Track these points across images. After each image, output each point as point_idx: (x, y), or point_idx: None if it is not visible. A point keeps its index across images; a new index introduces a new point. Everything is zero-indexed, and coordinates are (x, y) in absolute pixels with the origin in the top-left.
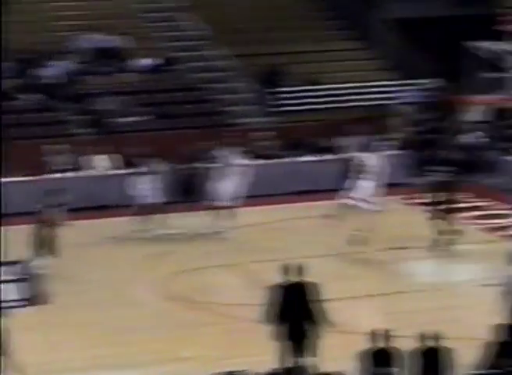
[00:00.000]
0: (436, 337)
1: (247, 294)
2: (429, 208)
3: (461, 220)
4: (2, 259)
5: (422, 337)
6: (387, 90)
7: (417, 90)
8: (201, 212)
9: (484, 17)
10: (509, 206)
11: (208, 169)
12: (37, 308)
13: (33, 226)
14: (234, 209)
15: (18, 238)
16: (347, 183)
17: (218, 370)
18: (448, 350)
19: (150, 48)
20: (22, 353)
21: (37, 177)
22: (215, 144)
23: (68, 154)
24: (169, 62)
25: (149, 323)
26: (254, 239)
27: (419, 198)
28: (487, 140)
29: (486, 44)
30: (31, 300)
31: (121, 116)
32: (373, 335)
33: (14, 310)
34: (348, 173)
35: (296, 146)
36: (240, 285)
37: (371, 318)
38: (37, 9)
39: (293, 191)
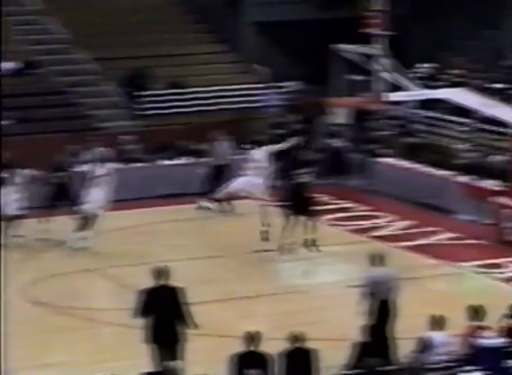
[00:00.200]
0: (303, 339)
1: (112, 298)
2: (288, 210)
3: (325, 222)
4: None
5: (290, 338)
6: (251, 93)
7: (282, 93)
8: (67, 218)
9: (349, 20)
10: (372, 208)
11: (74, 174)
12: None
13: None
14: (101, 214)
15: None
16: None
17: None
18: (315, 351)
19: (12, 52)
20: None
21: None
22: (80, 148)
23: None
24: (32, 65)
25: (13, 329)
26: (120, 243)
27: (280, 201)
28: (350, 142)
29: (352, 47)
30: None
31: None
32: (243, 338)
33: None
34: (211, 177)
35: (162, 149)
36: (105, 290)
37: (238, 321)
38: None
39: (160, 195)
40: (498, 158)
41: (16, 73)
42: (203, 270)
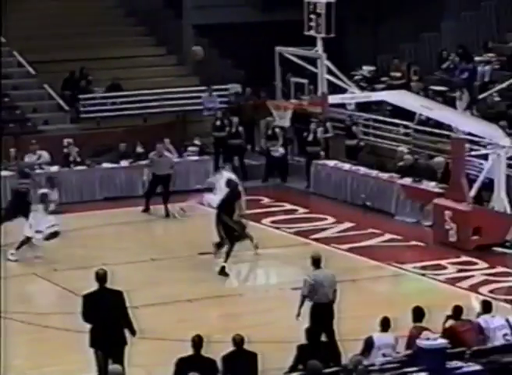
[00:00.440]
0: (244, 342)
1: (55, 302)
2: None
3: (266, 224)
4: None
5: (233, 341)
6: (193, 95)
7: (222, 95)
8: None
9: (292, 23)
10: (312, 210)
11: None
12: None
13: None
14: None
15: None
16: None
17: None
18: (256, 354)
19: None
20: None
21: None
22: (17, 152)
23: None
24: None
25: None
26: (63, 247)
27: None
28: (291, 144)
29: (294, 50)
30: None
31: None
32: (192, 342)
33: None
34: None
35: (103, 152)
36: (48, 294)
37: (180, 324)
38: None
39: (101, 198)
40: (438, 159)
41: None
42: (146, 273)
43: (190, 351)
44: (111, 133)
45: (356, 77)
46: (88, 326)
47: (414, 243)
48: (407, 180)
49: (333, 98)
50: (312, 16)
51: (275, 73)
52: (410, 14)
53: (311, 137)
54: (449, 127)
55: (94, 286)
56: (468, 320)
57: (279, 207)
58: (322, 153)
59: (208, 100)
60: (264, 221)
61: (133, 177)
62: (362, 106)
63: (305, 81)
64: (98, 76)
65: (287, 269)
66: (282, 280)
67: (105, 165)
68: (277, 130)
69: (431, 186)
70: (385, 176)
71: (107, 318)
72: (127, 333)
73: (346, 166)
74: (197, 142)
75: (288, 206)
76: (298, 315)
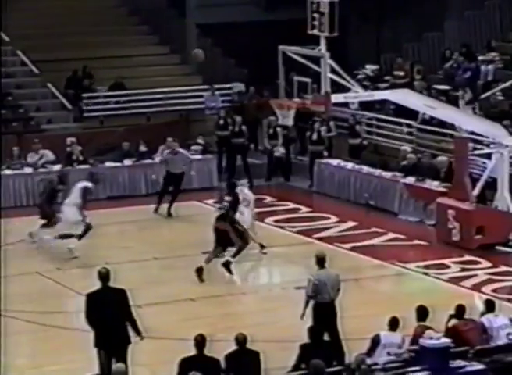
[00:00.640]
0: (247, 341)
1: (58, 301)
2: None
3: (269, 223)
4: None
5: (236, 340)
6: (196, 94)
7: (225, 94)
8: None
9: (295, 21)
10: (316, 209)
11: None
12: None
13: None
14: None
15: None
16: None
17: None
18: (258, 353)
19: None
20: None
21: None
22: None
23: None
24: None
25: None
26: (62, 246)
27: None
28: (295, 143)
29: (297, 49)
30: None
31: None
32: (195, 341)
33: None
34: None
35: (104, 151)
36: (50, 293)
37: (183, 323)
38: None
39: (102, 197)
40: (442, 159)
41: None
42: (148, 272)
43: (193, 351)
44: (114, 132)
45: (359, 76)
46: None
47: (417, 242)
48: (411, 179)
49: (336, 97)
50: (315, 15)
51: (278, 71)
52: (414, 13)
53: (315, 136)
54: (452, 126)
55: (97, 285)
56: (471, 319)
57: (282, 206)
58: (325, 152)
59: (211, 99)
60: (267, 220)
61: (137, 176)
62: (365, 105)
63: (308, 80)
64: (101, 75)
65: (290, 268)
66: (285, 279)
67: (108, 164)
68: (278, 129)
69: (434, 185)
70: (388, 175)
71: (110, 317)
72: (131, 332)
73: (350, 165)
74: (200, 141)
75: (291, 205)
76: (303, 315)
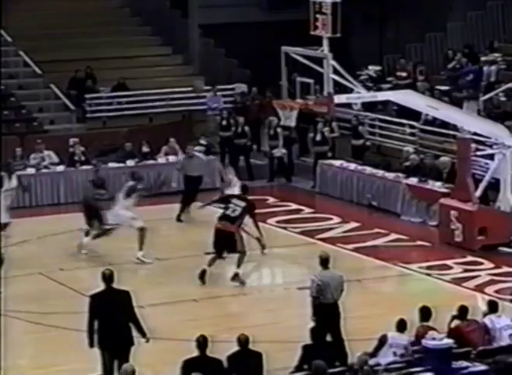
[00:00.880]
0: (249, 341)
1: (61, 302)
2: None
3: (272, 224)
4: None
5: (238, 341)
6: (197, 95)
7: (228, 95)
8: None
9: (298, 22)
10: (318, 210)
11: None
12: None
13: None
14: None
15: None
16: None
17: None
18: (261, 354)
19: None
20: None
21: None
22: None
23: None
24: None
25: None
26: (67, 246)
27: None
28: (297, 143)
29: (300, 49)
30: None
31: None
32: (196, 342)
33: None
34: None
35: (107, 152)
36: (53, 293)
37: (186, 323)
38: None
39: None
40: (444, 159)
41: None
42: (151, 273)
43: (195, 351)
44: (117, 132)
45: (362, 77)
46: (90, 327)
47: (419, 243)
48: (413, 180)
49: (339, 98)
50: (318, 16)
51: (280, 72)
52: (417, 14)
53: (318, 137)
54: (455, 127)
55: (100, 286)
56: (474, 320)
57: (285, 207)
58: (330, 153)
59: (212, 100)
60: (269, 221)
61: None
62: (368, 106)
63: (311, 81)
64: (104, 76)
65: (293, 268)
66: (287, 280)
67: (111, 164)
68: (279, 129)
69: (437, 186)
70: (391, 175)
71: (114, 318)
72: (136, 333)
73: (352, 166)
74: (203, 142)
75: (294, 206)
76: (313, 316)
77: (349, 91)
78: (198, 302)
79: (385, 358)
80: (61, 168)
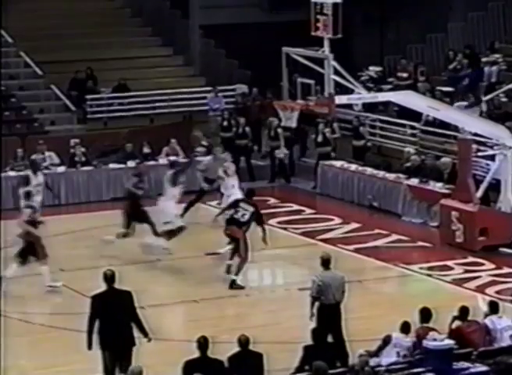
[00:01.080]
0: (249, 342)
1: (61, 303)
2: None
3: (273, 225)
4: None
5: (239, 342)
6: (197, 96)
7: (229, 96)
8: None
9: (298, 23)
10: (319, 210)
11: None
12: None
13: None
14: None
15: None
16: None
17: None
18: (261, 354)
19: None
20: None
21: None
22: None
23: None
24: None
25: None
26: (69, 247)
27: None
28: (298, 144)
29: (301, 50)
30: None
31: None
32: (197, 343)
33: None
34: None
35: (108, 153)
36: (53, 294)
37: (187, 324)
38: None
39: (106, 199)
40: (445, 160)
41: None
42: (152, 274)
43: (196, 352)
44: (118, 133)
45: (363, 78)
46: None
47: (420, 244)
48: (414, 181)
49: (340, 99)
50: (319, 17)
51: (281, 73)
52: (417, 15)
53: (320, 138)
54: (455, 128)
55: (101, 286)
56: (475, 321)
57: (286, 208)
58: (333, 154)
59: (214, 100)
60: (270, 222)
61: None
62: (369, 107)
63: (312, 82)
64: (105, 77)
65: (294, 269)
66: (288, 281)
67: (112, 165)
68: (279, 130)
69: (438, 186)
70: (391, 176)
71: (116, 318)
72: (137, 334)
73: (353, 167)
74: (204, 143)
75: (294, 207)
76: (312, 316)
77: (350, 91)
78: (199, 303)
79: (388, 357)
80: (62, 169)
